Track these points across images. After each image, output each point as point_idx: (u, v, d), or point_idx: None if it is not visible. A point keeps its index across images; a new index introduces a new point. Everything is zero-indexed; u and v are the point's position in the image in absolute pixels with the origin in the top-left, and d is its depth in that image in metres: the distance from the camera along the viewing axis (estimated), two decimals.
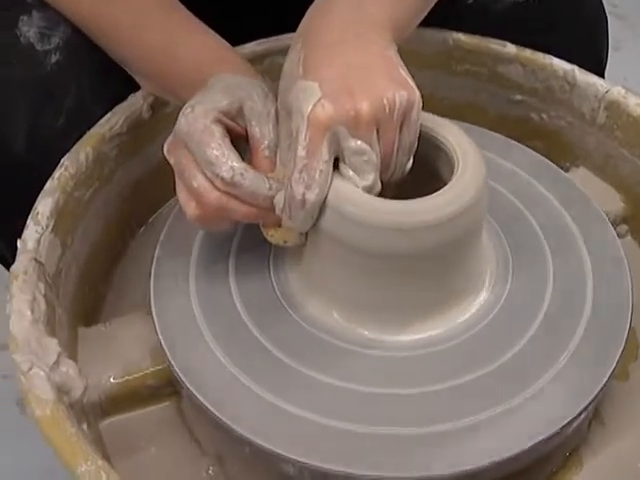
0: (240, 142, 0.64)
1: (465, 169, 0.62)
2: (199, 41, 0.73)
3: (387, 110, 0.59)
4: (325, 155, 0.59)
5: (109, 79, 0.77)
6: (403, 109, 0.60)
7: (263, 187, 0.61)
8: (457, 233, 0.61)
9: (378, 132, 0.60)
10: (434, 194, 0.60)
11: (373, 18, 0.65)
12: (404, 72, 0.62)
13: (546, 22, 0.88)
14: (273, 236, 0.65)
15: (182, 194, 0.64)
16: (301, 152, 0.58)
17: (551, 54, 0.84)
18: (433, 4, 0.76)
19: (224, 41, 0.74)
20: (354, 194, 0.60)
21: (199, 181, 0.61)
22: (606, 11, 0.96)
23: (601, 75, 0.93)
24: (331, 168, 0.60)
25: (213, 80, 0.66)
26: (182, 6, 0.75)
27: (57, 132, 0.74)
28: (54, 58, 0.75)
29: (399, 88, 0.60)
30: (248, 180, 0.60)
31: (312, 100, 0.58)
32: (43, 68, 0.74)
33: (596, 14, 0.92)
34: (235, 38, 0.76)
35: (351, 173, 0.60)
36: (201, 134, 0.61)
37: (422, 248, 0.60)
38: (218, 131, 0.61)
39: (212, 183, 0.61)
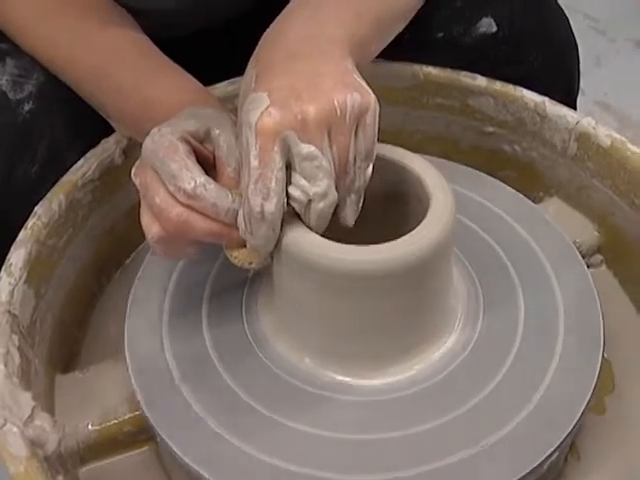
0: (207, 167, 0.62)
1: (434, 209, 0.62)
2: (171, 83, 0.73)
3: (338, 113, 0.57)
4: (278, 162, 0.57)
5: (83, 126, 0.78)
6: (356, 112, 0.58)
7: (225, 200, 0.59)
8: (424, 276, 0.61)
9: (331, 137, 0.58)
10: (398, 240, 0.60)
11: (329, 33, 0.64)
12: (359, 78, 0.60)
13: (515, 53, 0.88)
14: (237, 257, 0.63)
15: (145, 216, 0.62)
16: (254, 162, 0.57)
17: (522, 84, 0.84)
18: (398, 28, 0.76)
19: (197, 82, 0.74)
20: (315, 241, 0.60)
21: (161, 196, 0.60)
22: (586, 27, 0.96)
23: (572, 103, 0.94)
24: (285, 176, 0.58)
25: (183, 111, 0.66)
26: (155, 48, 0.76)
27: (31, 180, 0.75)
28: (27, 107, 0.75)
29: (351, 91, 0.58)
30: (210, 192, 0.59)
31: (260, 109, 0.57)
32: (16, 117, 0.75)
33: (566, 44, 0.92)
34: (206, 78, 0.77)
35: (302, 181, 0.58)
36: (166, 149, 0.60)
37: (389, 292, 0.61)
38: (183, 147, 0.60)
39: (174, 198, 0.60)
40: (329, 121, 0.57)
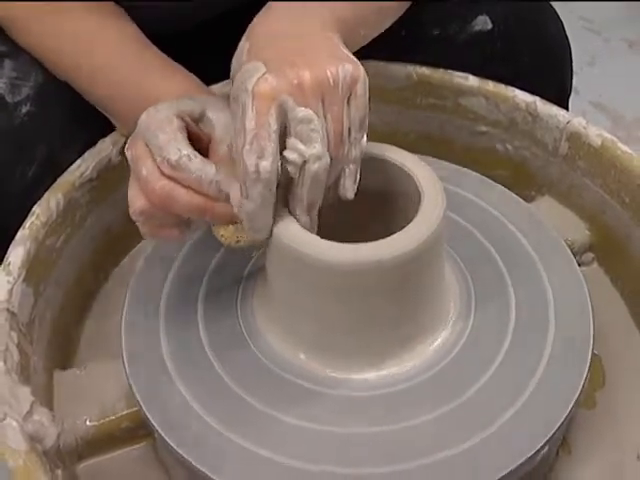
0: (200, 148, 0.63)
1: (425, 206, 0.63)
2: (172, 79, 0.74)
3: (331, 82, 0.59)
4: (274, 125, 0.57)
5: (80, 128, 0.79)
6: (348, 82, 0.60)
7: (210, 172, 0.60)
8: (415, 273, 0.62)
9: (325, 107, 0.59)
10: (390, 237, 0.61)
11: (317, 14, 0.67)
12: (347, 51, 0.63)
13: (510, 51, 0.90)
14: (224, 235, 0.64)
15: (132, 188, 0.63)
16: (249, 124, 0.57)
17: (516, 82, 0.86)
18: (389, 16, 0.78)
19: (196, 78, 0.75)
20: (307, 238, 0.61)
21: (148, 168, 0.61)
22: (580, 28, 0.98)
23: (565, 102, 0.95)
24: (278, 140, 0.58)
25: (181, 96, 0.68)
26: (154, 47, 0.77)
27: (28, 182, 0.76)
28: (25, 109, 0.76)
29: (342, 62, 0.60)
30: (194, 164, 0.60)
31: (256, 76, 0.58)
32: (14, 119, 0.76)
33: (558, 43, 0.93)
34: (209, 74, 0.78)
35: (299, 144, 0.59)
36: (159, 122, 0.62)
37: (381, 289, 0.62)
38: (176, 122, 0.62)
39: (161, 170, 0.61)
40: (323, 90, 0.59)
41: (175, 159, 0.60)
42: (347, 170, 0.62)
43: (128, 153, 0.64)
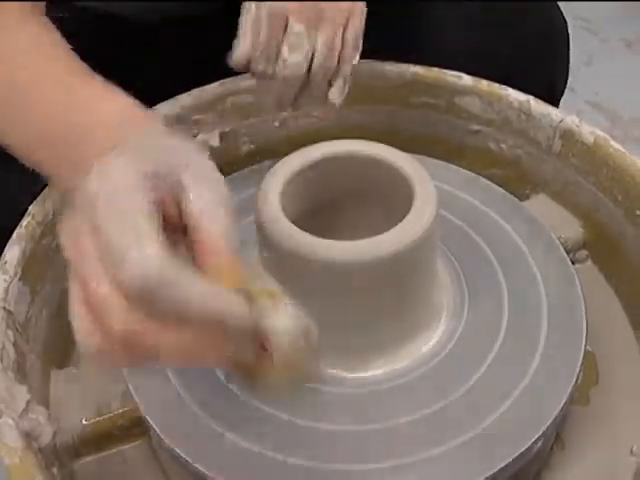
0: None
1: (417, 205, 0.63)
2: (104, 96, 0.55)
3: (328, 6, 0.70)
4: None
5: None
6: (346, 7, 0.71)
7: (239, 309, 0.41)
8: (408, 271, 0.63)
9: (322, 24, 0.69)
10: (381, 235, 0.61)
11: None
12: None
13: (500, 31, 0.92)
14: (272, 379, 0.44)
15: (76, 310, 0.44)
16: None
17: (507, 80, 0.86)
18: None
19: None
20: (302, 235, 0.61)
21: (102, 286, 0.41)
22: (578, 28, 0.99)
23: (556, 100, 0.96)
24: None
25: (133, 137, 0.48)
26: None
27: (24, 182, 0.76)
28: None
29: None
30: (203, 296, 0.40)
31: None
32: None
33: (559, 40, 0.94)
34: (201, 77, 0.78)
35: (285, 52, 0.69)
36: (119, 200, 0.41)
37: (374, 287, 0.62)
38: (144, 198, 0.42)
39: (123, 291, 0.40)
40: (320, 12, 0.70)
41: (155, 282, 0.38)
42: (336, 83, 0.72)
43: (67, 245, 0.44)
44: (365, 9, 0.72)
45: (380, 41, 0.79)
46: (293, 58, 0.69)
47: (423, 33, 0.93)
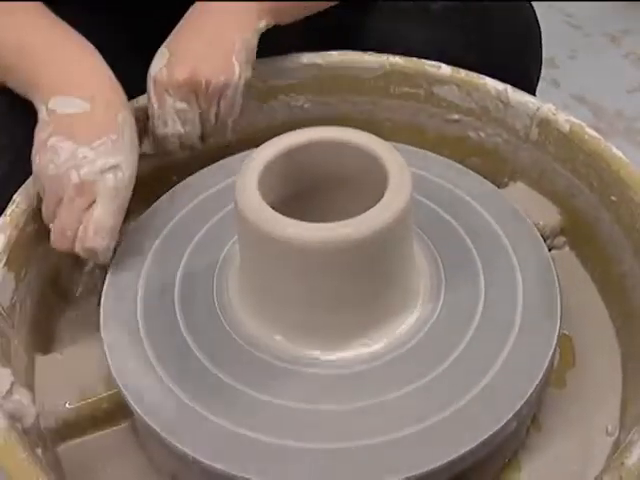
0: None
1: (391, 189, 0.64)
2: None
3: (203, 85, 0.76)
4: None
5: None
6: (219, 87, 0.77)
7: None
8: (384, 250, 0.64)
9: (199, 100, 0.78)
10: (355, 218, 0.62)
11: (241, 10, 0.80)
12: (234, 58, 0.78)
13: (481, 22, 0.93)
14: None
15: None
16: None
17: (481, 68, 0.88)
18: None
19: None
20: (276, 217, 0.62)
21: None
22: (562, 23, 1.00)
23: (531, 88, 0.97)
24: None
25: None
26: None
27: (8, 170, 0.77)
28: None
29: (220, 73, 0.77)
30: None
31: (160, 65, 0.78)
32: None
33: (529, 30, 0.95)
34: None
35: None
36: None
37: (349, 269, 0.63)
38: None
39: None
40: (197, 89, 0.77)
41: None
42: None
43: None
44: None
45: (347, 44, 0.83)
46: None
47: (388, 32, 0.94)
